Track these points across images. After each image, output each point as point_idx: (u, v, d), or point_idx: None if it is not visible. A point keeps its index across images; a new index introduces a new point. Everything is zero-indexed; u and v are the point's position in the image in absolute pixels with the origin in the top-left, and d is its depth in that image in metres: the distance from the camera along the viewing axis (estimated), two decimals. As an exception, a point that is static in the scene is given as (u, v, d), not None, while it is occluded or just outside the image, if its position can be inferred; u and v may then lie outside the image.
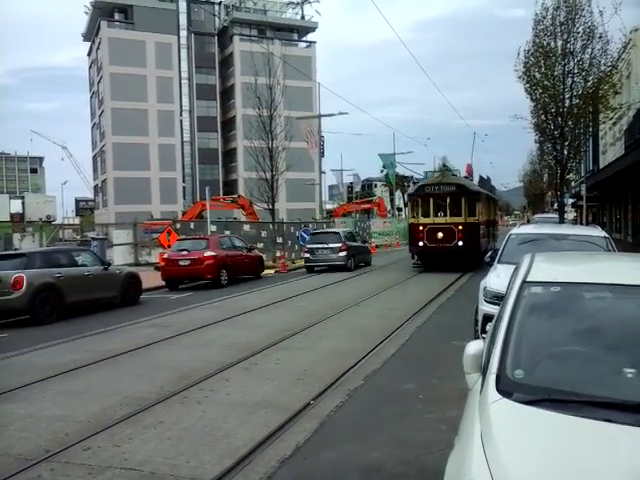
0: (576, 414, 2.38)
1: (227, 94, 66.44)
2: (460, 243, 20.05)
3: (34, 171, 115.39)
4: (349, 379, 7.19)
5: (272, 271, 24.11)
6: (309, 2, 69.14)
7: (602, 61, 21.17)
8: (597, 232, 9.15)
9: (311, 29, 70.54)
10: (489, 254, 10.14)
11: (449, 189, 20.61)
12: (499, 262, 8.95)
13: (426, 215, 20.87)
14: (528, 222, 41.83)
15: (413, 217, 21.35)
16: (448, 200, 20.43)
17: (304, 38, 70.89)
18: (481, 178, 30.03)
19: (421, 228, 20.60)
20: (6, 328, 12.01)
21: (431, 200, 20.69)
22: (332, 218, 44.11)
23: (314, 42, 69.52)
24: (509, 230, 10.81)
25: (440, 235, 20.20)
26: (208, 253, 18.49)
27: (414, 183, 37.95)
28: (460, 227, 20.03)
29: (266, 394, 6.62)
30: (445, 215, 20.51)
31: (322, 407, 6.09)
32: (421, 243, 20.64)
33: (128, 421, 5.80)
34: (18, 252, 14.84)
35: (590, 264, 4.21)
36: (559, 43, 21.51)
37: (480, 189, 23.35)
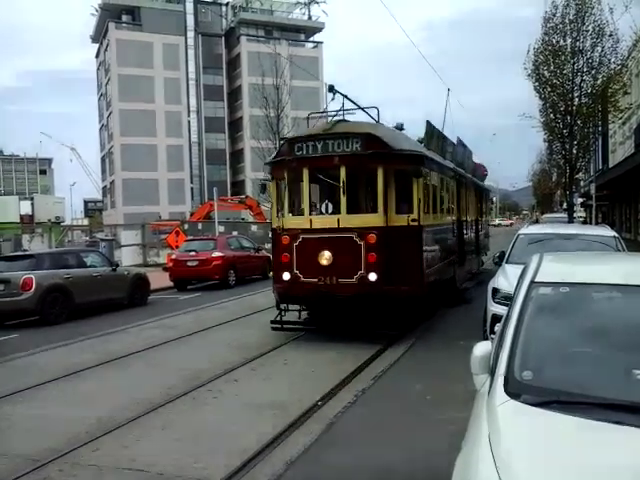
0: (585, 416, 2.36)
1: (234, 95, 66.54)
2: (372, 276, 8.97)
3: (43, 172, 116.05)
4: (357, 380, 7.17)
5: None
6: (316, 2, 69.14)
7: (612, 59, 21.08)
8: (606, 232, 9.10)
9: (318, 29, 70.50)
10: (497, 254, 9.89)
11: (348, 147, 9.31)
12: (507, 262, 8.91)
13: (298, 211, 10.32)
14: (537, 222, 41.65)
15: (277, 215, 10.21)
16: (343, 173, 9.28)
17: (311, 38, 70.92)
18: (432, 131, 12.58)
19: (287, 240, 9.48)
20: (15, 329, 12.07)
21: (306, 173, 9.51)
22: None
23: (321, 42, 69.52)
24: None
25: (327, 257, 9.10)
26: (216, 254, 18.50)
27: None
28: (372, 238, 8.97)
29: (274, 395, 6.62)
30: (338, 209, 9.69)
31: (330, 408, 6.07)
32: (287, 275, 9.44)
33: (136, 422, 5.81)
34: (27, 253, 14.92)
35: (599, 264, 4.17)
36: (568, 41, 21.43)
37: (429, 154, 10.90)
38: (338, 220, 9.32)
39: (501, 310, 6.95)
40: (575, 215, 31.59)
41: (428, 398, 6.25)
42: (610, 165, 35.36)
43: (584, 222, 37.95)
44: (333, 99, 11.12)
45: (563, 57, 21.49)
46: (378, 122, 11.00)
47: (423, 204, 9.76)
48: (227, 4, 69.02)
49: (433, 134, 12.52)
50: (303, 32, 70.56)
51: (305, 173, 9.54)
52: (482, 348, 3.15)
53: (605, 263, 4.30)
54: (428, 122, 12.15)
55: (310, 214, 9.73)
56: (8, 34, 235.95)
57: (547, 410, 2.44)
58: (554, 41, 21.62)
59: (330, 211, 10.20)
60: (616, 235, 8.77)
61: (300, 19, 70.38)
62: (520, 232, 10.04)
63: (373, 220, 9.33)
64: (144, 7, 62.00)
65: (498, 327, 3.96)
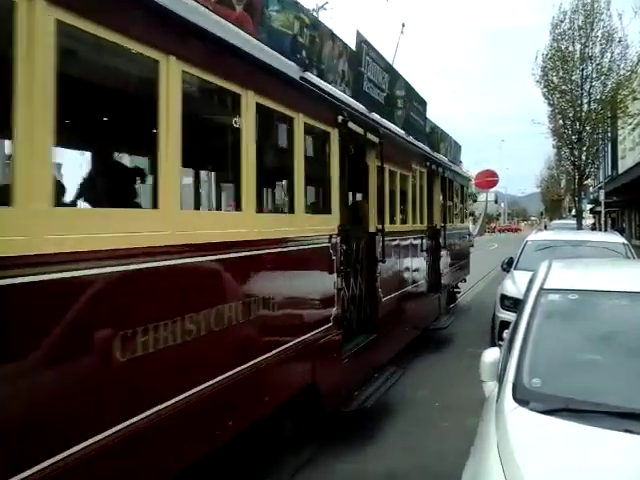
0: (594, 424, 2.34)
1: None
2: None
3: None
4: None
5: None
6: (324, 9, 69.49)
7: (621, 65, 21.00)
8: (616, 238, 9.06)
9: (326, 36, 70.87)
10: (506, 260, 9.72)
11: None
12: (516, 269, 8.86)
13: None
14: (545, 228, 41.38)
15: None
16: None
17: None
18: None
19: None
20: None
21: None
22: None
23: (329, 49, 69.82)
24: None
25: None
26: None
27: None
28: None
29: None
30: None
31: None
32: None
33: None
34: None
35: (608, 271, 4.16)
36: (577, 47, 21.36)
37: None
38: None
39: (509, 316, 6.92)
40: (586, 222, 31.38)
41: None
42: (620, 171, 35.15)
43: (593, 229, 37.75)
44: None
45: (572, 63, 21.42)
46: None
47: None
48: (236, 11, 69.59)
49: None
50: (311, 38, 70.88)
51: None
52: (491, 355, 3.14)
53: (614, 270, 4.29)
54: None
55: None
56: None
57: (556, 418, 2.42)
58: (563, 47, 21.56)
59: None
60: (625, 242, 8.74)
61: (308, 25, 70.76)
62: (528, 238, 10.01)
63: None
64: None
65: (506, 333, 3.95)
